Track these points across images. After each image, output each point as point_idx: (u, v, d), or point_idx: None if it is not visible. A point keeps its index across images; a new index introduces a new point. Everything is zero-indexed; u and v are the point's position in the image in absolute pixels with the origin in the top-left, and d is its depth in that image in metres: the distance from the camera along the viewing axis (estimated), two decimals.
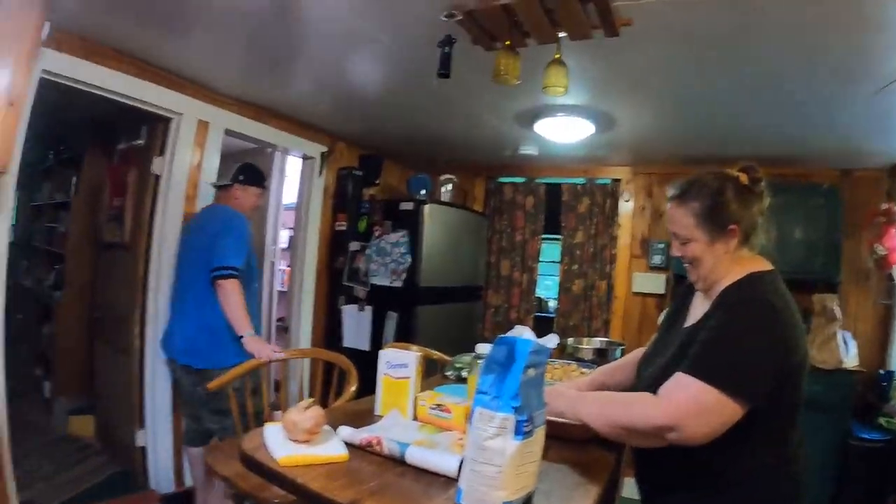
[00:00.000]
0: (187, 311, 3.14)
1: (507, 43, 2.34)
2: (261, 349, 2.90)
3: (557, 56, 2.39)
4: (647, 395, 1.48)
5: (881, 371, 4.20)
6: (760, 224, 1.62)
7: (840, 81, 2.91)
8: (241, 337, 2.95)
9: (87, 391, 4.50)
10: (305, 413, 1.50)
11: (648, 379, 1.63)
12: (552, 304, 5.69)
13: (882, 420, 3.47)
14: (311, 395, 2.72)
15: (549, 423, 1.62)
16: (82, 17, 2.68)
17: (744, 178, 1.60)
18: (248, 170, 3.37)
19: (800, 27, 2.36)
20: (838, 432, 3.89)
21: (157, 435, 3.50)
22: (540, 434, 1.25)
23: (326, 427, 1.57)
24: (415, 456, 1.41)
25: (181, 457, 3.57)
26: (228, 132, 3.81)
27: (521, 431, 1.15)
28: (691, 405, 1.36)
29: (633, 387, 1.79)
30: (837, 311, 4.10)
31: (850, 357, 4.07)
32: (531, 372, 1.20)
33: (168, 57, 3.15)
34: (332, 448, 1.47)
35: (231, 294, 2.96)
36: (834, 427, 3.87)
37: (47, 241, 5.56)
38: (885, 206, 4.13)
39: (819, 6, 2.17)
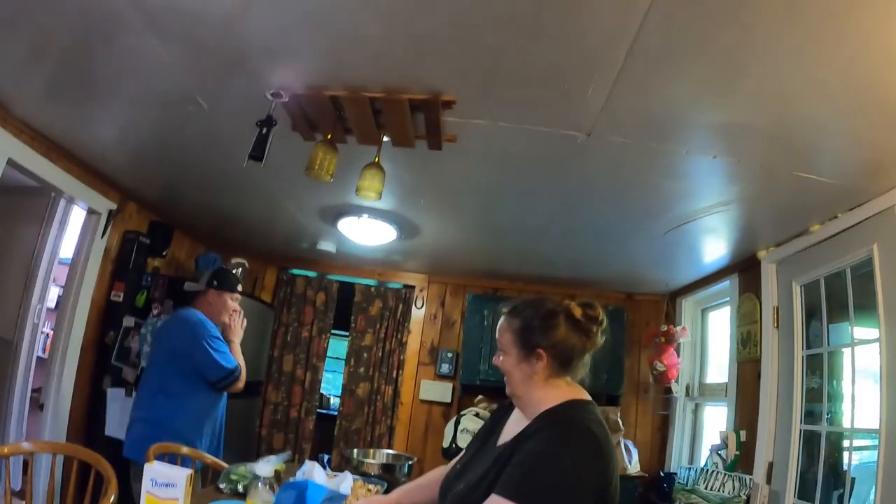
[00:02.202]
0: None
1: (329, 136, 2.27)
2: None
3: (377, 160, 2.36)
4: None
5: (661, 473, 4.49)
6: (583, 360, 1.64)
7: (639, 218, 3.24)
8: None
9: None
10: None
11: (457, 498, 1.56)
12: (335, 401, 5.47)
13: None
14: (63, 498, 2.35)
15: None
16: None
17: (578, 311, 1.62)
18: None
19: (610, 166, 2.58)
20: None
21: None
22: None
23: None
24: None
25: None
26: (11, 162, 3.16)
27: None
28: None
29: None
30: (620, 423, 4.37)
31: (633, 464, 4.35)
32: None
33: None
34: None
35: None
36: None
37: None
38: (664, 327, 4.52)
39: (632, 150, 2.38)
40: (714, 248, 3.71)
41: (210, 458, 2.79)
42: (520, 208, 3.28)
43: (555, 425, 1.49)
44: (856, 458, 2.84)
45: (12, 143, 3.15)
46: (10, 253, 4.33)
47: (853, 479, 2.85)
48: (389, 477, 2.64)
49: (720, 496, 3.42)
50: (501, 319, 1.68)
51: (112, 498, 2.18)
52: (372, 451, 3.06)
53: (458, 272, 5.12)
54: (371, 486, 2.30)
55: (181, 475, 1.59)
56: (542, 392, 1.58)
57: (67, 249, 4.28)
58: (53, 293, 4.50)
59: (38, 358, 4.35)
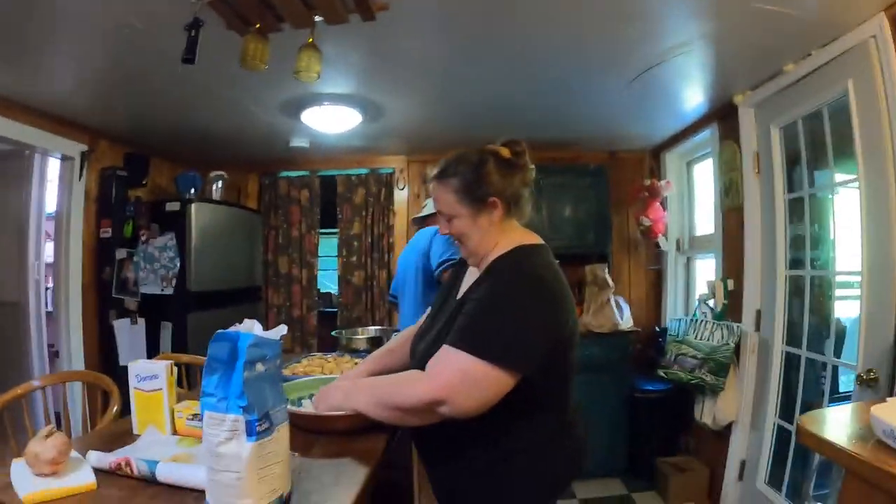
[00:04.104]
0: None
1: (258, 26, 2.23)
2: None
3: (310, 40, 2.32)
4: (414, 372, 1.45)
5: (657, 328, 4.60)
6: (526, 195, 1.66)
7: (597, 69, 3.13)
8: None
9: None
10: (46, 442, 1.33)
11: (420, 355, 1.61)
12: (335, 299, 5.60)
13: (661, 372, 3.80)
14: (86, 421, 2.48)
15: (309, 419, 1.57)
16: None
17: (505, 151, 1.62)
18: None
19: (554, 14, 2.46)
20: (623, 388, 4.31)
21: None
22: (282, 432, 1.17)
23: (75, 455, 1.40)
24: (165, 473, 1.29)
25: None
26: None
27: (255, 432, 1.07)
28: (457, 378, 1.34)
29: (409, 367, 1.73)
30: (609, 279, 4.44)
31: (625, 319, 4.44)
32: (259, 367, 1.12)
33: None
34: (80, 478, 1.31)
35: None
36: (618, 384, 4.29)
37: None
38: (647, 182, 4.51)
39: None
40: (690, 96, 3.63)
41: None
42: (474, 71, 3.18)
43: (502, 274, 1.52)
44: (851, 310, 2.84)
45: None
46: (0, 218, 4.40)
47: (844, 328, 2.91)
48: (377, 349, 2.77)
49: (709, 345, 3.51)
50: (433, 186, 1.67)
51: (115, 408, 2.33)
52: (360, 329, 3.15)
53: (435, 148, 4.99)
54: (358, 361, 2.43)
55: (161, 366, 1.70)
56: (493, 240, 1.61)
57: (53, 203, 4.35)
58: (50, 248, 4.53)
59: (48, 313, 4.47)
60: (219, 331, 1.11)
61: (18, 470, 1.34)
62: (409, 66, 3.12)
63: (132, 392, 1.71)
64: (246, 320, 1.17)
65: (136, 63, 2.97)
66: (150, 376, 1.69)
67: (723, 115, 3.72)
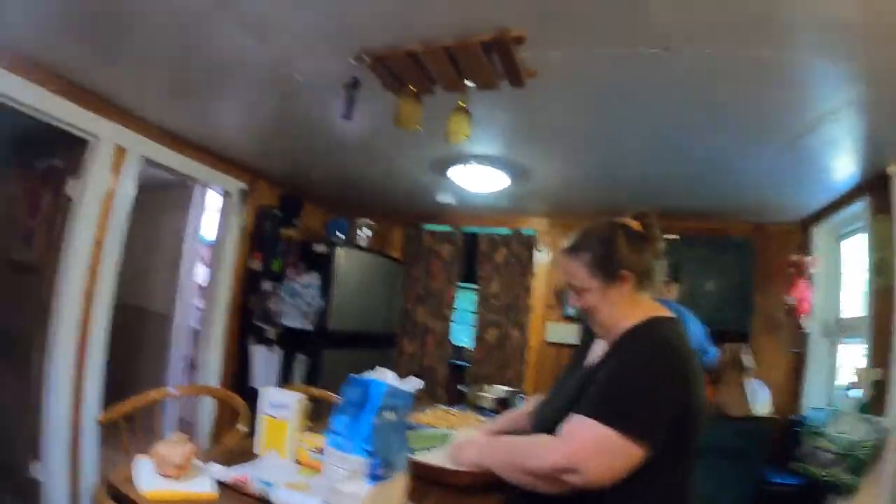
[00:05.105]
0: None
1: (412, 89, 2.37)
2: None
3: (461, 104, 2.43)
4: (547, 436, 1.44)
5: (794, 416, 4.30)
6: (657, 268, 1.64)
7: (747, 137, 3.04)
8: None
9: None
10: (175, 447, 1.46)
11: (546, 421, 1.58)
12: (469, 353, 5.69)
13: (794, 464, 3.53)
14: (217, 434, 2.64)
15: (428, 470, 1.61)
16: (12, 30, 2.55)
17: (635, 224, 1.62)
18: None
19: (704, 82, 2.44)
20: (750, 478, 3.96)
21: (53, 468, 3.26)
22: (400, 479, 1.23)
23: (199, 463, 1.53)
24: (280, 497, 1.37)
25: (78, 491, 3.38)
26: (147, 160, 3.69)
27: (375, 475, 1.13)
28: (591, 446, 1.34)
29: (532, 431, 1.71)
30: (747, 360, 4.20)
31: (762, 404, 4.17)
32: (389, 415, 1.18)
33: (92, 77, 3.01)
34: (201, 485, 1.43)
35: None
36: (746, 473, 3.95)
37: None
38: (794, 258, 4.29)
39: (723, 62, 2.25)
40: (840, 165, 3.41)
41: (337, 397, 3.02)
42: (621, 138, 3.19)
43: (635, 344, 1.50)
44: None
45: (146, 143, 3.66)
46: (161, 241, 4.93)
47: None
48: (502, 410, 2.79)
49: (848, 440, 3.22)
50: (564, 260, 1.67)
51: (238, 425, 2.47)
52: (487, 387, 3.18)
53: (578, 213, 5.00)
54: (483, 419, 2.48)
55: (293, 398, 1.82)
56: (624, 313, 1.58)
57: (209, 231, 4.81)
58: (200, 270, 5.02)
59: (194, 329, 4.88)
60: (354, 375, 1.19)
61: (142, 467, 1.47)
62: (555, 132, 3.18)
63: (262, 416, 1.84)
64: (379, 368, 1.23)
65: (296, 113, 3.23)
66: (281, 405, 1.81)
67: (875, 185, 3.44)
